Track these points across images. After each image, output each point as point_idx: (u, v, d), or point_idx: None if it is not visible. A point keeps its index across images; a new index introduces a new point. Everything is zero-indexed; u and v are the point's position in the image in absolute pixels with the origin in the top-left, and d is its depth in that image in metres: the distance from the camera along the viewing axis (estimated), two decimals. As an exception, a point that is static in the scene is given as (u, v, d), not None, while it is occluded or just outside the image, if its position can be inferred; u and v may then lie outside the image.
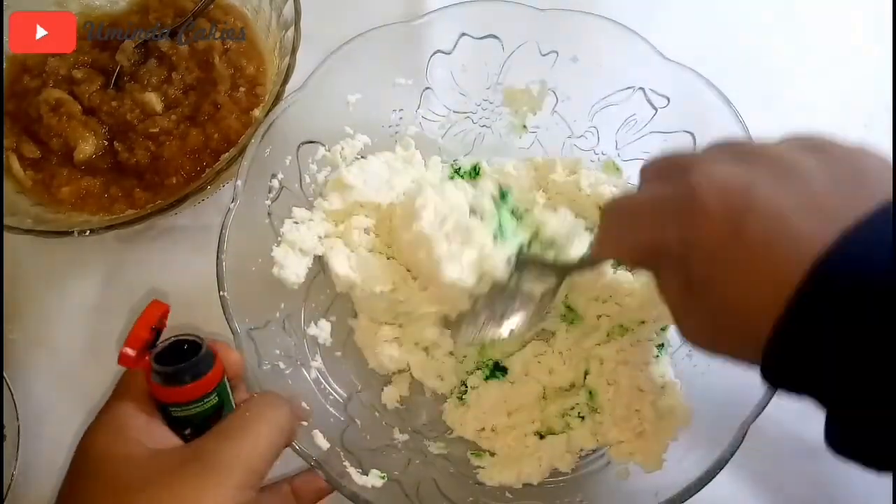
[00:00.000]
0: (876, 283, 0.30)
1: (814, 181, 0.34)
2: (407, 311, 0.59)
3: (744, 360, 0.37)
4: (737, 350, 0.37)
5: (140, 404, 0.46)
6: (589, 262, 0.54)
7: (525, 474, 0.56)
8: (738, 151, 0.38)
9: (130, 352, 0.45)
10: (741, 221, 0.34)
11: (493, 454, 0.59)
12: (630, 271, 0.59)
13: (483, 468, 0.58)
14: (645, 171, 0.44)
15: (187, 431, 0.46)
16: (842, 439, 0.35)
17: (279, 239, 0.59)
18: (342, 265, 0.60)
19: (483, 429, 0.60)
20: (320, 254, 0.60)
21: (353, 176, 0.61)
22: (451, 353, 0.61)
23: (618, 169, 0.65)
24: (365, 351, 0.62)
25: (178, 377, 0.45)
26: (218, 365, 0.47)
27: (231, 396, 0.49)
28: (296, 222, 0.60)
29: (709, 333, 0.39)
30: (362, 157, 0.64)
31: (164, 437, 0.45)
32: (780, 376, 0.35)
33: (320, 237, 0.61)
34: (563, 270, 0.55)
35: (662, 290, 0.41)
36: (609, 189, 0.62)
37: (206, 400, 0.46)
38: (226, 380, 0.48)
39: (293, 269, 0.58)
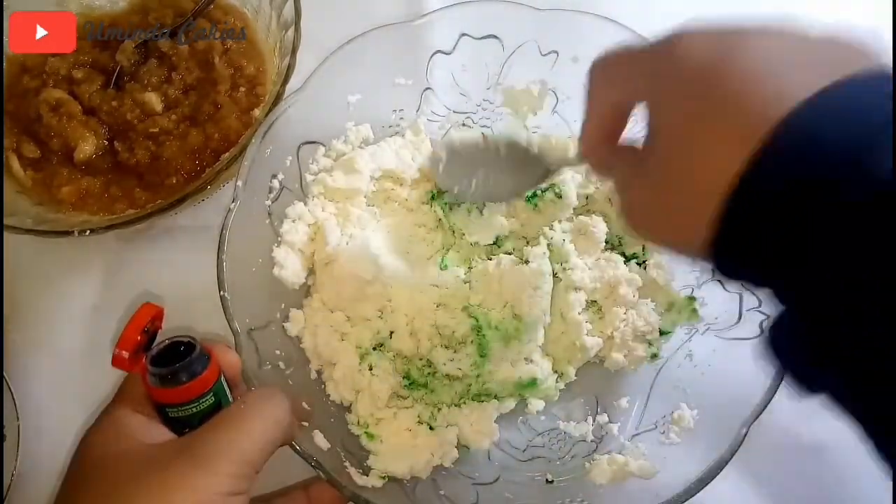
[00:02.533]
0: (839, 152, 0.28)
1: (805, 39, 0.33)
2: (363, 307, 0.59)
3: (683, 243, 0.35)
4: (681, 237, 0.35)
5: (138, 406, 0.47)
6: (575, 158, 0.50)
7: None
8: (731, 26, 0.36)
9: (124, 354, 0.46)
10: (716, 72, 0.32)
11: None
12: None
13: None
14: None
15: (185, 431, 0.46)
16: (791, 343, 0.33)
17: (279, 239, 0.59)
18: (334, 235, 0.59)
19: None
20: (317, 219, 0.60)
21: (363, 161, 0.61)
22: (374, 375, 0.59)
23: None
24: (306, 330, 0.60)
25: (174, 378, 0.45)
26: (213, 364, 0.47)
27: (229, 396, 0.49)
28: (293, 221, 0.59)
29: (653, 220, 0.37)
30: (364, 145, 0.64)
31: (161, 436, 0.45)
32: (730, 260, 0.33)
33: (322, 208, 0.61)
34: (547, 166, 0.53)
35: (616, 188, 0.40)
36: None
37: (202, 400, 0.46)
38: (223, 379, 0.48)
39: (293, 269, 0.59)
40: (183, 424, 0.46)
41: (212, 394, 0.47)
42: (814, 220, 0.29)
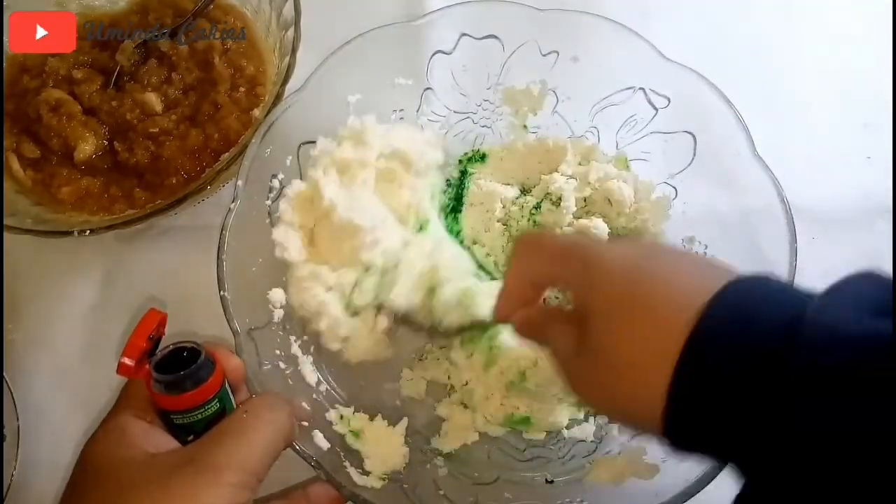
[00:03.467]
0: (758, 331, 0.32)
1: (682, 256, 0.40)
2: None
3: (640, 422, 0.37)
4: (632, 410, 0.37)
5: (142, 413, 0.46)
6: (491, 320, 0.52)
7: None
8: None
9: (129, 362, 0.45)
10: (637, 280, 0.37)
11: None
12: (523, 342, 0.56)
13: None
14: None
15: (189, 438, 0.46)
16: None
17: (277, 220, 0.58)
18: (330, 189, 0.57)
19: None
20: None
21: (375, 137, 0.59)
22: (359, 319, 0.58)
23: (627, 166, 0.64)
24: (291, 280, 0.58)
25: (179, 385, 0.45)
26: (218, 371, 0.47)
27: (233, 401, 0.49)
28: (291, 199, 0.58)
29: (603, 395, 0.39)
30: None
31: (164, 443, 0.45)
32: (685, 435, 0.35)
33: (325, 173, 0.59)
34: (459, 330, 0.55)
35: (556, 356, 0.42)
36: (617, 184, 0.62)
37: (207, 406, 0.46)
38: (227, 385, 0.48)
39: (295, 246, 0.58)
40: (187, 431, 0.46)
41: (217, 400, 0.47)
42: (763, 390, 0.31)
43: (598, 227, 0.60)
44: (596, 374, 0.38)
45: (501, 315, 0.47)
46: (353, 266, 0.58)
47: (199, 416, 0.46)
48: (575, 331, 0.40)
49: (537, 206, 0.64)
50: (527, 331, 0.47)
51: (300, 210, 0.58)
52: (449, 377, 0.62)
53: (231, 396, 0.49)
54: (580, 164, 0.65)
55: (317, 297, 0.56)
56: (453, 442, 0.59)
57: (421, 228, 0.62)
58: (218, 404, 0.47)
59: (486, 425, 0.60)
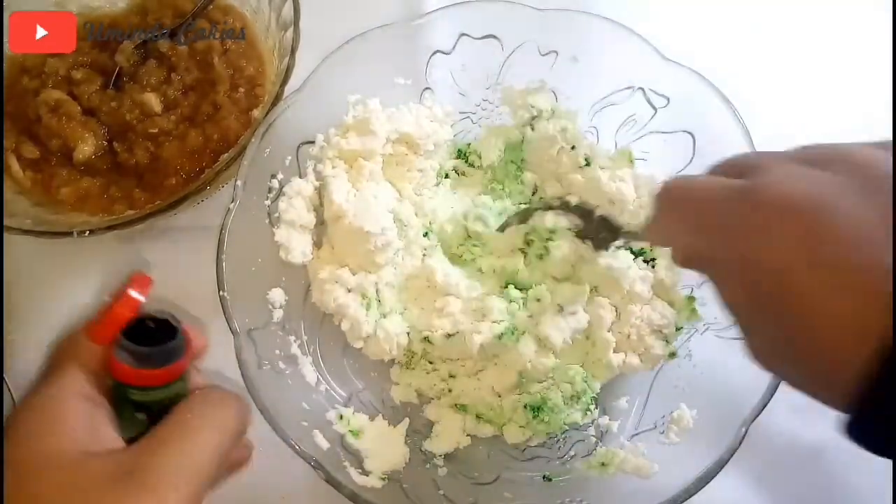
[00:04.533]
0: None
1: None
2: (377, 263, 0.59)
3: (820, 398, 0.32)
4: (813, 387, 0.32)
5: (90, 377, 0.41)
6: (640, 235, 0.52)
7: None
8: (819, 154, 0.34)
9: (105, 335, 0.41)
10: (818, 244, 0.30)
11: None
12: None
13: None
14: (714, 168, 0.39)
15: (140, 416, 0.42)
16: None
17: (277, 219, 0.58)
18: (340, 192, 0.58)
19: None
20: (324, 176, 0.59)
21: (379, 123, 0.60)
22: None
23: (631, 161, 0.63)
24: (314, 281, 0.60)
25: (149, 359, 0.41)
26: (189, 350, 0.43)
27: (188, 384, 0.44)
28: (290, 198, 0.59)
29: (780, 359, 0.34)
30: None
31: (105, 438, 0.40)
32: (874, 426, 0.30)
33: (333, 166, 0.60)
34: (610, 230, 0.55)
35: (725, 298, 0.36)
36: (615, 185, 0.62)
37: (171, 387, 0.42)
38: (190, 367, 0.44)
39: (298, 247, 0.58)
40: (139, 408, 0.42)
41: (181, 381, 0.43)
42: None
43: None
44: (772, 335, 0.33)
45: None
46: (369, 268, 0.59)
47: (160, 396, 0.42)
48: (744, 279, 0.33)
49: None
50: (684, 259, 0.39)
51: (305, 210, 0.59)
52: (436, 383, 0.62)
53: (189, 379, 0.44)
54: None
55: (337, 300, 0.58)
56: (445, 445, 0.59)
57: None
58: (181, 385, 0.43)
59: (477, 427, 0.60)
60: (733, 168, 0.37)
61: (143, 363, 0.41)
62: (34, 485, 0.36)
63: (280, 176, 0.60)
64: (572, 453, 0.59)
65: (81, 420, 0.39)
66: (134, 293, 0.42)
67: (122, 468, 0.37)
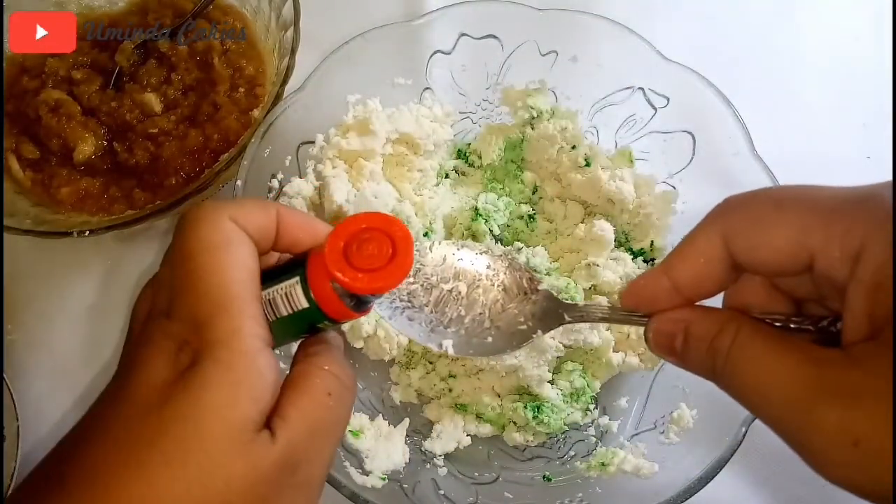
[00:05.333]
0: None
1: None
2: None
3: None
4: None
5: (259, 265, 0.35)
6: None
7: None
8: None
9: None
10: None
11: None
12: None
13: None
14: None
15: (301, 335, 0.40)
16: None
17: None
18: (340, 192, 0.57)
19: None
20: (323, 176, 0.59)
21: (380, 123, 0.60)
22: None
23: (631, 161, 0.64)
24: None
25: (363, 302, 0.38)
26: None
27: None
28: (290, 198, 0.58)
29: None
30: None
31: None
32: None
33: (333, 166, 0.59)
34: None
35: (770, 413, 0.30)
36: (615, 184, 0.62)
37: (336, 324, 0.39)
38: None
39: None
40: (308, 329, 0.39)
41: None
42: None
43: (604, 228, 0.60)
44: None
45: (630, 301, 0.31)
46: None
47: (330, 327, 0.39)
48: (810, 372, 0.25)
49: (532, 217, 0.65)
50: (690, 355, 0.30)
51: (305, 210, 0.59)
52: (436, 383, 0.62)
53: None
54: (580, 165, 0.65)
55: None
56: (445, 445, 0.59)
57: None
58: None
59: (477, 428, 0.60)
60: None
61: (358, 306, 0.37)
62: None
63: (280, 176, 0.60)
64: (572, 453, 0.59)
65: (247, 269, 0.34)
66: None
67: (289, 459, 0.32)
